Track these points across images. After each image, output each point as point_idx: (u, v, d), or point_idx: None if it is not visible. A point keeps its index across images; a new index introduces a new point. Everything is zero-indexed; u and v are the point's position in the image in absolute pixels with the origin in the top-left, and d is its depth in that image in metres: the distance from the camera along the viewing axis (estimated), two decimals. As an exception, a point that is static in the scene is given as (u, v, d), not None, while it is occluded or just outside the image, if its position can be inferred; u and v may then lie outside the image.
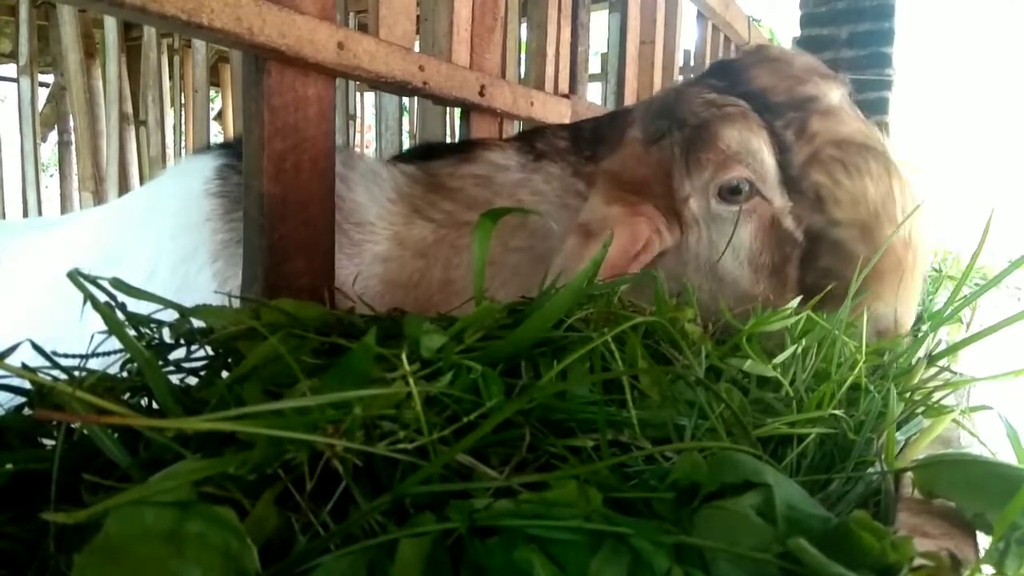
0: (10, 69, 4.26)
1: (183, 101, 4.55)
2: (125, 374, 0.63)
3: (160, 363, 0.64)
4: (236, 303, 0.86)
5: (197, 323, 0.68)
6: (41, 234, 1.33)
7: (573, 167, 1.21)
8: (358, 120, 4.68)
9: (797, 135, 1.05)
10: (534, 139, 1.27)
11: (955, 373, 0.97)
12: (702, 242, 1.06)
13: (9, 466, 0.54)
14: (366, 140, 5.39)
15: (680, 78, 2.94)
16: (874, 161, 1.03)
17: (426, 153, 1.29)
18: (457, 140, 1.47)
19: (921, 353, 0.98)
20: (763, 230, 1.04)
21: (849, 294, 0.92)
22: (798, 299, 0.98)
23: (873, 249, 0.98)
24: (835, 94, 1.11)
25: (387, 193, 1.19)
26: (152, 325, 0.68)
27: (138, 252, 1.14)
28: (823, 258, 1.02)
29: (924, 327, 1.08)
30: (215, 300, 0.90)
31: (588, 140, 1.25)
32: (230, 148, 1.21)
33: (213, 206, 1.12)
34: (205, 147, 1.34)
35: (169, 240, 1.13)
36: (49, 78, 4.63)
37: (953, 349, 0.95)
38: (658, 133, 1.10)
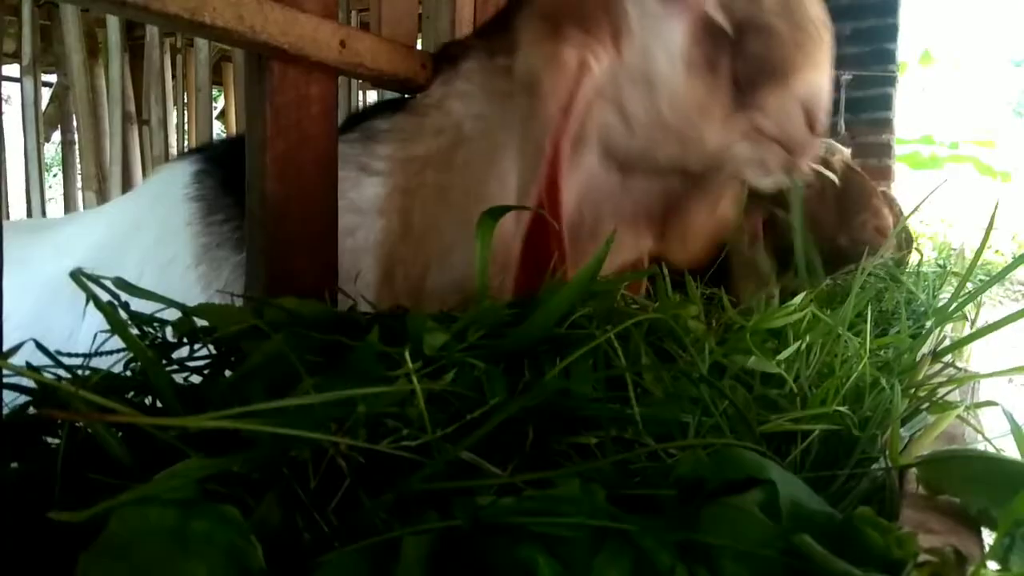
0: (13, 69, 4.26)
1: (186, 100, 4.55)
2: (128, 373, 0.63)
3: (163, 362, 0.64)
4: (238, 301, 0.86)
5: (200, 322, 0.68)
6: (37, 237, 1.33)
7: (488, 49, 1.15)
8: (361, 118, 4.67)
9: None
10: (447, 49, 1.22)
11: (960, 369, 0.97)
12: (636, 52, 1.03)
13: (13, 465, 0.54)
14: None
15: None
16: None
17: (362, 116, 1.25)
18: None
19: (926, 349, 0.98)
20: (695, 24, 1.03)
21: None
22: (802, 296, 0.98)
23: (795, 25, 1.03)
24: None
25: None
26: (155, 324, 0.68)
27: (128, 255, 1.15)
28: (751, 44, 1.03)
29: (928, 323, 1.08)
30: (201, 301, 0.90)
31: (498, 16, 1.20)
32: (204, 153, 1.22)
33: (193, 210, 1.13)
34: (181, 154, 1.36)
35: (154, 245, 1.14)
36: (52, 78, 4.64)
37: (958, 345, 0.94)
38: None
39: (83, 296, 1.10)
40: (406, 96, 1.21)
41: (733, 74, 1.04)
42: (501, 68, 1.11)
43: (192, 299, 1.02)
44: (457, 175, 1.10)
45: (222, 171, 1.15)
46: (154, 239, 1.15)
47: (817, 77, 1.07)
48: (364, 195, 1.13)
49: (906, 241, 2.51)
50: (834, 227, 1.80)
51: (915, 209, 1.50)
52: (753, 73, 1.03)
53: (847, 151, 1.94)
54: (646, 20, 1.03)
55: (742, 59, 1.04)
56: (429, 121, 1.14)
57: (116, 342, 0.59)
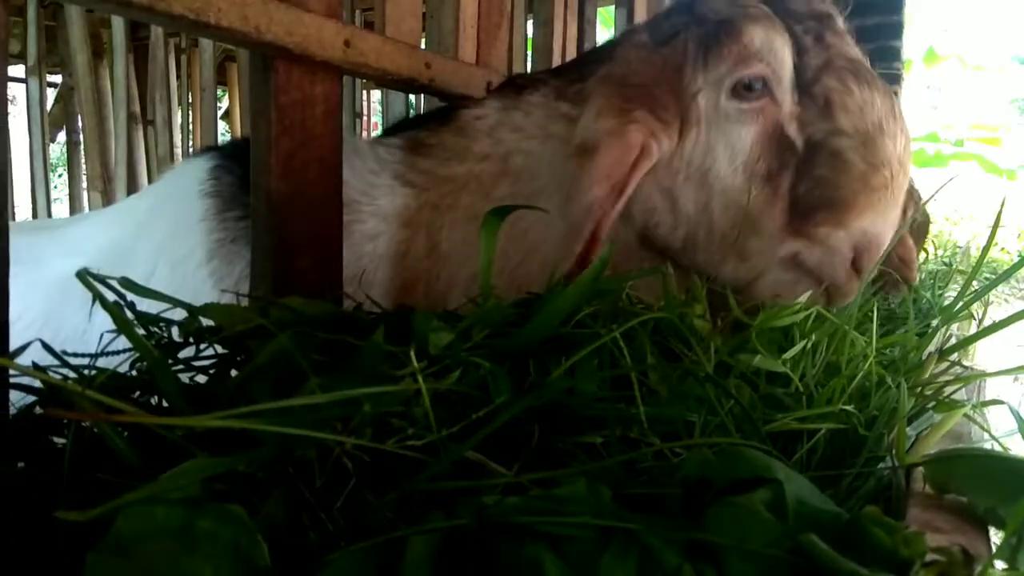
0: (18, 70, 4.27)
1: (190, 100, 4.56)
2: (135, 373, 0.63)
3: (169, 362, 0.64)
4: (243, 301, 0.86)
5: (206, 321, 0.68)
6: (48, 236, 1.33)
7: (556, 91, 1.14)
8: (365, 117, 4.68)
9: (815, 42, 1.04)
10: (515, 80, 1.22)
11: (966, 368, 0.97)
12: (699, 146, 1.02)
13: (21, 464, 0.54)
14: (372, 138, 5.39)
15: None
16: (878, 79, 1.04)
17: (409, 124, 1.27)
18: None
19: (932, 348, 0.97)
20: (765, 134, 1.01)
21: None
22: (808, 295, 0.97)
23: (868, 163, 0.99)
24: (841, 20, 1.13)
25: (369, 165, 1.16)
26: (161, 324, 0.68)
27: (141, 252, 1.16)
28: (819, 168, 1.00)
29: (935, 322, 1.07)
30: (212, 297, 0.91)
31: (575, 64, 1.20)
32: (222, 150, 1.22)
33: (207, 206, 1.13)
34: (200, 150, 1.36)
35: (168, 240, 1.14)
36: (57, 78, 4.65)
37: (964, 344, 0.94)
38: (671, 30, 1.07)
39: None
40: (455, 107, 1.21)
41: (792, 194, 1.00)
42: (564, 114, 1.10)
43: (203, 294, 1.04)
44: (493, 205, 1.09)
45: (240, 168, 1.14)
46: (167, 234, 1.15)
47: (878, 224, 1.01)
48: (394, 204, 1.13)
49: (921, 231, 2.52)
50: None
51: (921, 207, 1.49)
52: (812, 200, 0.99)
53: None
54: (716, 117, 1.02)
55: (805, 182, 1.00)
56: (477, 146, 1.13)
57: (123, 342, 0.59)
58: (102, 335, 0.64)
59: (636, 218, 1.08)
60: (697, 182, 1.02)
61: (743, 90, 1.01)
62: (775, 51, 1.00)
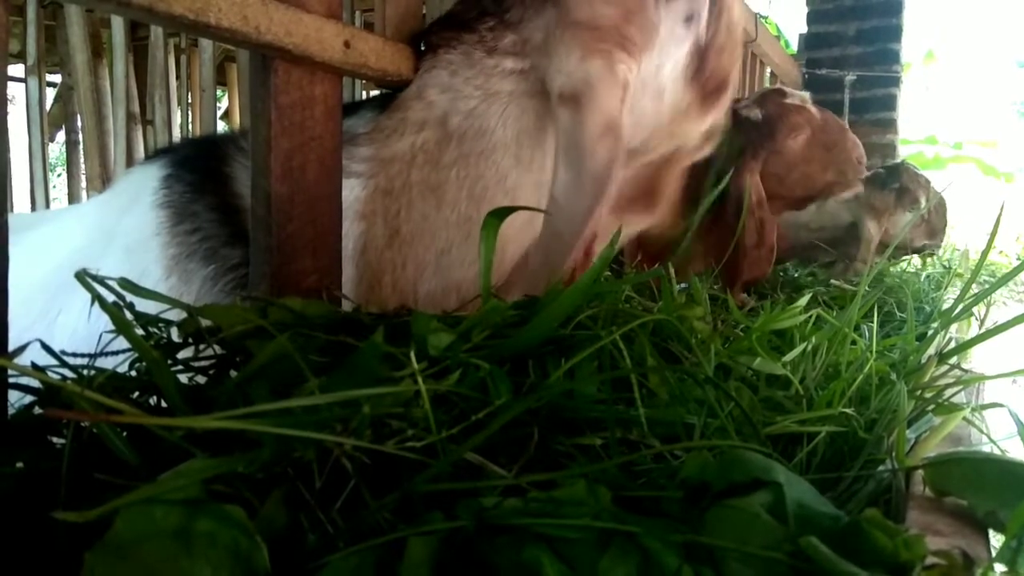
0: (18, 69, 4.27)
1: (190, 100, 4.56)
2: (133, 373, 0.63)
3: (168, 362, 0.64)
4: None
5: (205, 322, 0.68)
6: (13, 239, 1.27)
7: (481, 46, 1.12)
8: (364, 119, 4.67)
9: None
10: (424, 37, 1.20)
11: (966, 371, 0.97)
12: (652, 67, 1.13)
13: (19, 465, 0.54)
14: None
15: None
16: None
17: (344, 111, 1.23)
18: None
19: (932, 351, 0.98)
20: (693, 46, 1.18)
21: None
22: (806, 297, 0.97)
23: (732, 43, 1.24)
24: None
25: None
26: (159, 324, 0.68)
27: (106, 264, 1.08)
28: (712, 59, 1.22)
29: (934, 325, 1.07)
30: (172, 317, 0.85)
31: (475, 10, 1.16)
32: (172, 155, 1.15)
33: (161, 219, 1.07)
34: (152, 154, 1.28)
35: (125, 255, 1.08)
36: (56, 78, 4.64)
37: (963, 347, 0.94)
38: None
39: (58, 302, 1.08)
40: (384, 93, 1.18)
41: (702, 83, 1.20)
42: (509, 70, 1.09)
43: (164, 315, 1.00)
44: (448, 172, 1.08)
45: (191, 175, 1.09)
46: (124, 250, 1.09)
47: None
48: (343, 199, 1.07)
49: (940, 224, 2.58)
50: (822, 165, 2.04)
51: (921, 210, 1.49)
52: (714, 84, 1.20)
53: (807, 94, 2.14)
54: (669, 40, 1.14)
55: (708, 70, 1.21)
56: (412, 115, 1.10)
57: (120, 343, 0.59)
58: (101, 335, 0.64)
59: None
60: (652, 95, 1.16)
61: (686, 20, 1.16)
62: None
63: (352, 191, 1.08)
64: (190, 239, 1.05)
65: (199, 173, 1.09)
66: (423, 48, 1.18)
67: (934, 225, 2.65)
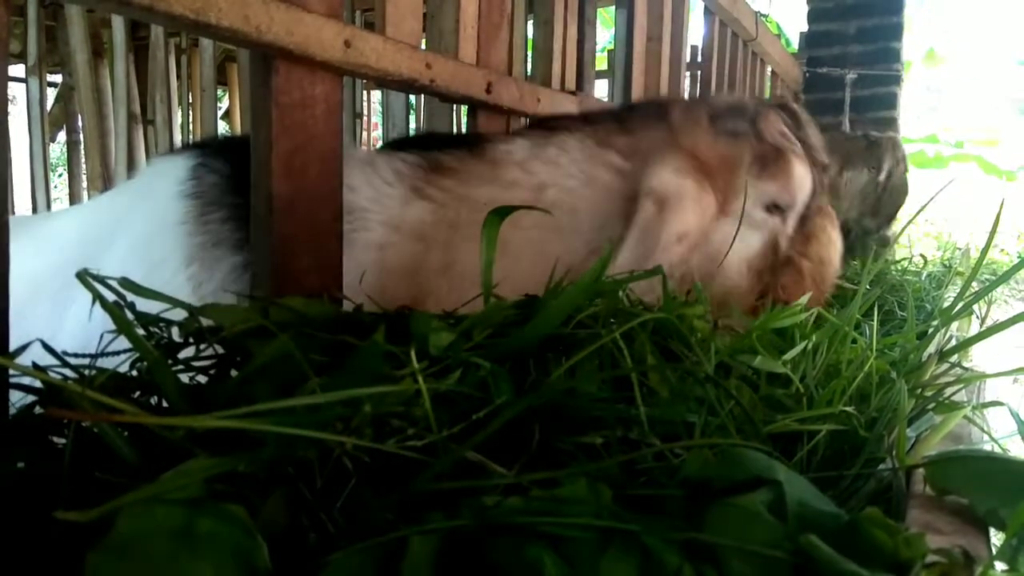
0: (19, 69, 4.27)
1: (191, 100, 4.55)
2: (135, 373, 0.63)
3: (169, 362, 0.64)
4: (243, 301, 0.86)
5: (206, 321, 0.68)
6: (18, 231, 1.29)
7: (597, 138, 1.24)
8: (365, 118, 4.68)
9: (820, 188, 1.28)
10: (544, 120, 1.30)
11: (966, 369, 0.97)
12: (726, 236, 1.18)
13: (21, 464, 0.54)
14: (373, 138, 5.39)
15: (687, 75, 2.93)
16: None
17: (428, 142, 1.27)
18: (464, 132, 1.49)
19: (932, 349, 0.97)
20: (768, 243, 1.24)
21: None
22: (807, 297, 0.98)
23: (816, 284, 1.29)
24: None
25: (383, 176, 1.15)
26: (160, 324, 0.68)
27: (115, 253, 1.11)
28: (785, 276, 1.27)
29: (935, 323, 1.07)
30: (190, 302, 0.86)
31: (610, 114, 1.28)
32: (205, 148, 1.17)
33: (187, 208, 1.08)
34: (179, 147, 1.31)
35: (143, 243, 1.09)
36: (57, 78, 4.64)
37: (964, 345, 0.94)
38: (733, 130, 1.23)
39: (65, 294, 1.08)
40: (480, 137, 1.26)
41: (765, 288, 1.24)
42: (611, 164, 1.22)
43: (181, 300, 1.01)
44: (524, 233, 1.13)
45: (225, 167, 1.10)
46: (142, 236, 1.10)
47: None
48: (408, 215, 1.12)
49: (891, 207, 2.60)
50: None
51: (921, 208, 1.49)
52: (775, 294, 1.23)
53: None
54: (745, 219, 1.19)
55: (774, 280, 1.25)
56: (506, 174, 1.19)
57: (121, 342, 0.59)
58: (102, 335, 0.64)
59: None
60: (710, 259, 1.20)
61: (772, 207, 1.23)
62: (804, 189, 1.23)
63: (419, 211, 1.13)
64: (222, 228, 1.06)
65: (233, 165, 1.10)
66: (539, 123, 1.30)
67: (885, 205, 2.62)
